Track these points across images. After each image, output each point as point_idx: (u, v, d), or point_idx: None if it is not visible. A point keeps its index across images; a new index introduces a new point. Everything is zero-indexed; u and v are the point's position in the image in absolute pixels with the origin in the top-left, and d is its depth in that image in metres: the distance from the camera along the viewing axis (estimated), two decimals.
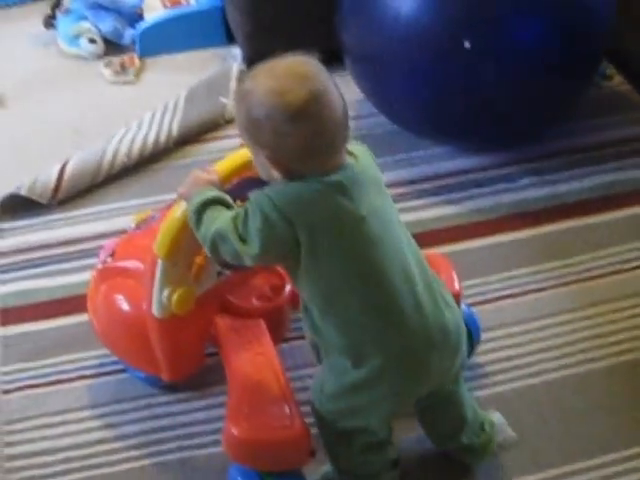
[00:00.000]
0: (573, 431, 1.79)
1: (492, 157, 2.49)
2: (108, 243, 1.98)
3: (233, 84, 2.80)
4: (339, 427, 1.60)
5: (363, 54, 2.44)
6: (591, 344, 1.95)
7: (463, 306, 1.82)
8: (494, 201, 2.36)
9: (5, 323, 2.10)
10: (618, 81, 2.75)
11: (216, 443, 1.75)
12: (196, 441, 1.81)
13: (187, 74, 2.91)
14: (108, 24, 3.07)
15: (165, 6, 3.08)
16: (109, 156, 2.52)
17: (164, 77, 2.96)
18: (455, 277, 1.82)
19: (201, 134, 2.67)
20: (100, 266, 1.91)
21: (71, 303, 2.11)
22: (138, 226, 1.94)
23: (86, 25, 3.07)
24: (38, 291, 2.18)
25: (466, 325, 1.78)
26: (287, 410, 1.60)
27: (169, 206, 1.78)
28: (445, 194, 2.40)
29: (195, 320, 1.75)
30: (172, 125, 2.64)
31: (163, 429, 1.84)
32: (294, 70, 1.45)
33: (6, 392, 1.93)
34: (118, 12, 3.09)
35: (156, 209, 2.00)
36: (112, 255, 1.90)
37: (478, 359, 1.92)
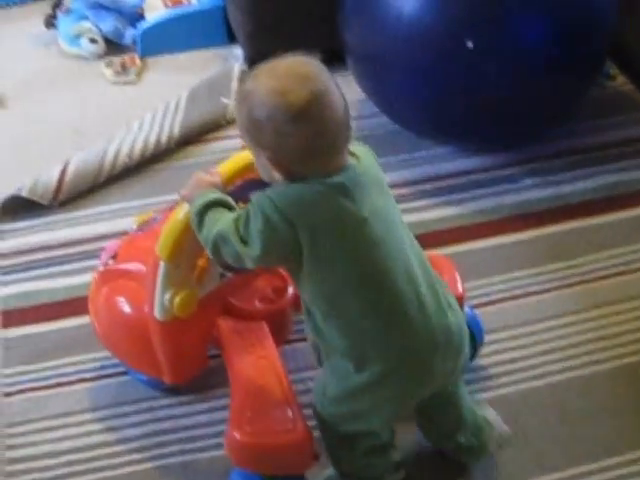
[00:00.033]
0: (577, 434, 1.78)
1: (494, 158, 2.48)
2: (110, 245, 1.97)
3: (235, 84, 2.80)
4: (341, 430, 1.59)
5: (365, 53, 2.43)
6: (595, 346, 1.94)
7: (466, 308, 1.81)
8: (496, 202, 2.35)
9: (6, 325, 2.09)
10: (621, 81, 2.74)
11: (218, 446, 1.74)
12: (198, 444, 1.81)
13: (188, 74, 2.90)
14: (109, 24, 3.06)
15: (166, 6, 3.08)
16: (110, 157, 2.51)
17: (165, 77, 2.95)
18: (458, 279, 1.82)
19: (202, 134, 2.66)
20: (102, 268, 1.90)
21: (72, 305, 2.11)
22: (140, 228, 1.93)
23: (87, 25, 3.06)
24: (39, 293, 2.17)
25: (469, 327, 1.77)
26: (290, 414, 1.60)
27: (171, 208, 1.77)
28: (447, 195, 2.39)
29: (197, 323, 1.75)
30: (173, 125, 2.63)
31: (165, 432, 1.83)
32: (295, 70, 1.44)
33: (7, 395, 1.93)
34: (119, 12, 3.08)
35: (158, 210, 1.99)
36: (114, 257, 1.89)
37: (481, 361, 1.91)
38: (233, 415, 1.63)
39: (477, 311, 1.92)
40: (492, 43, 2.20)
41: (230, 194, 1.58)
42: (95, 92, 2.89)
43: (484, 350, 1.91)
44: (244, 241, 1.47)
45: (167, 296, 1.69)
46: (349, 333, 1.50)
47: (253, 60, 2.81)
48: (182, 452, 1.80)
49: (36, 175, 2.44)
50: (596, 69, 2.44)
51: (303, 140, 1.43)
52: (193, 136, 2.64)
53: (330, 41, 2.36)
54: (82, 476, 1.77)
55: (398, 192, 2.25)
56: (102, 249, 2.01)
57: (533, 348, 1.95)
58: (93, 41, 3.04)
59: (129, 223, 2.06)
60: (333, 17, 2.45)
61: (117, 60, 2.99)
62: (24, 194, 2.39)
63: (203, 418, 1.85)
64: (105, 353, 1.93)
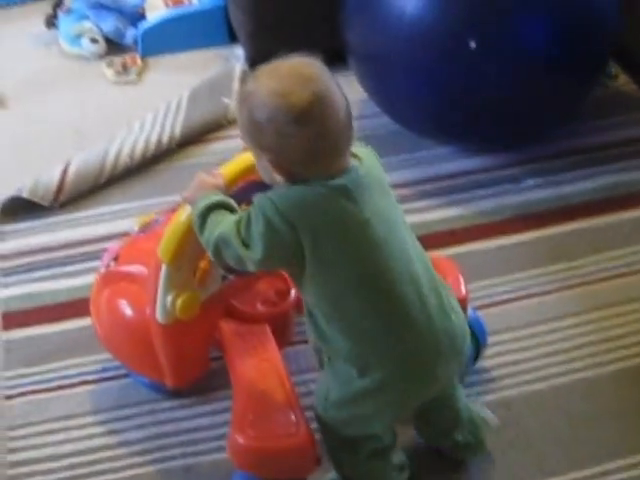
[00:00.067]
0: (580, 436, 1.78)
1: (495, 158, 2.47)
2: (112, 247, 1.96)
3: (236, 84, 2.79)
4: (343, 434, 1.59)
5: (367, 53, 2.43)
6: (598, 348, 1.94)
7: (469, 310, 1.80)
8: (497, 203, 2.35)
9: (7, 327, 2.08)
10: (623, 81, 2.73)
11: (220, 449, 1.74)
12: (200, 447, 1.80)
13: (189, 74, 2.90)
14: (110, 24, 3.06)
15: (167, 5, 3.07)
16: (111, 157, 2.51)
17: (166, 77, 2.95)
18: (462, 281, 1.81)
19: (204, 134, 2.65)
20: (103, 270, 1.90)
21: (74, 307, 2.10)
22: (142, 229, 1.93)
23: (88, 25, 3.06)
24: (40, 295, 2.16)
25: (472, 329, 1.77)
26: (293, 417, 1.59)
27: (173, 209, 1.77)
28: (448, 195, 2.38)
29: (199, 325, 1.74)
30: (174, 126, 2.63)
31: (167, 435, 1.83)
32: (297, 71, 1.43)
33: (8, 397, 1.92)
34: (120, 11, 3.08)
35: (159, 212, 1.99)
36: (116, 259, 1.88)
37: (484, 363, 1.91)
38: (235, 419, 1.62)
39: (479, 312, 1.91)
40: (494, 43, 2.19)
41: (233, 196, 1.58)
42: (96, 92, 2.89)
43: (487, 352, 1.90)
44: (245, 244, 1.46)
45: (169, 299, 1.68)
46: (352, 335, 1.49)
47: (254, 60, 2.81)
48: (184, 455, 1.79)
49: (37, 176, 2.44)
50: (599, 69, 2.43)
51: (305, 142, 1.42)
52: (194, 136, 2.64)
53: (331, 40, 2.36)
54: (84, 479, 1.77)
55: (399, 193, 2.22)
56: (104, 251, 2.00)
57: (536, 350, 1.94)
58: (94, 41, 3.04)
59: (130, 224, 2.05)
60: (334, 17, 2.45)
61: (118, 60, 2.98)
62: (25, 195, 2.38)
63: (205, 421, 1.85)
64: (107, 355, 1.92)
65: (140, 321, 1.77)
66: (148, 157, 2.55)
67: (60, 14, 3.12)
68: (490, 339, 1.89)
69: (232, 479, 1.64)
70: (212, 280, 1.74)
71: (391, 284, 1.47)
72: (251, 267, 1.49)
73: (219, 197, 1.55)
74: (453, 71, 2.23)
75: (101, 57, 3.03)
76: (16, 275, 2.22)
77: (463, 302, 1.74)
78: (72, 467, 1.78)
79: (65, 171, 2.46)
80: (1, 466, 1.79)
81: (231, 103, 2.68)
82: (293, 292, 1.81)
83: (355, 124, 1.49)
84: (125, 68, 2.95)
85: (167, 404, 1.88)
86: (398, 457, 1.67)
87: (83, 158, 2.50)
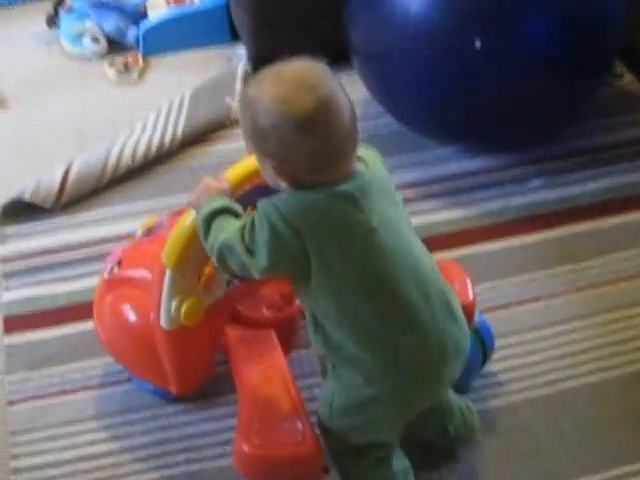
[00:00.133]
0: (587, 442, 1.76)
1: (501, 158, 2.46)
2: (115, 250, 1.94)
3: (238, 84, 2.77)
4: (348, 442, 1.58)
5: (371, 51, 2.41)
6: (606, 352, 1.92)
7: (477, 314, 1.79)
8: (503, 204, 2.33)
9: (9, 331, 2.07)
10: (628, 80, 2.71)
11: (224, 455, 1.73)
12: (204, 453, 1.78)
13: (192, 73, 2.88)
14: (111, 23, 3.04)
15: (169, 4, 3.05)
16: (113, 159, 2.49)
17: (168, 77, 2.93)
18: (469, 286, 1.79)
19: (206, 135, 2.63)
20: (107, 275, 1.88)
21: (76, 310, 2.08)
22: (145, 233, 1.91)
23: (89, 24, 3.04)
24: (42, 298, 2.14)
25: (479, 333, 1.76)
26: (299, 425, 1.58)
27: (177, 213, 1.75)
28: (453, 196, 2.37)
29: (204, 331, 1.73)
30: (177, 126, 2.61)
31: (170, 441, 1.81)
32: (300, 76, 1.41)
33: (10, 403, 1.91)
34: (121, 11, 3.06)
35: (163, 215, 1.97)
36: (119, 263, 1.86)
37: (491, 367, 1.89)
38: (241, 426, 1.61)
39: (486, 315, 1.89)
40: (500, 42, 2.18)
41: (239, 200, 1.56)
42: (97, 92, 2.87)
43: (494, 356, 1.88)
44: (250, 251, 1.45)
45: (173, 304, 1.67)
46: (360, 341, 1.47)
47: (256, 58, 2.80)
48: (187, 461, 1.77)
49: (38, 178, 2.42)
50: (605, 68, 2.42)
51: (309, 149, 1.40)
52: (197, 136, 2.62)
53: (334, 39, 2.34)
54: None
55: (403, 194, 2.22)
56: (107, 254, 1.98)
57: (543, 354, 1.92)
58: (95, 40, 3.02)
59: (133, 226, 2.04)
60: (337, 15, 2.43)
61: (120, 59, 2.97)
62: (26, 197, 2.37)
63: (209, 426, 1.83)
64: (110, 359, 1.90)
65: (144, 327, 1.75)
66: (150, 158, 2.53)
67: (61, 13, 3.11)
68: (496, 342, 1.87)
69: None
70: (217, 285, 1.73)
71: (398, 292, 1.46)
72: (256, 275, 1.47)
73: (224, 202, 1.53)
74: (458, 70, 2.22)
75: (102, 56, 3.01)
76: (17, 278, 2.20)
77: (471, 307, 1.73)
78: (75, 474, 1.77)
79: (67, 173, 2.44)
80: (4, 473, 1.78)
81: (234, 103, 2.66)
82: None
83: (359, 125, 1.47)
84: (127, 67, 2.93)
85: (171, 409, 1.86)
86: (402, 463, 1.65)
87: (85, 159, 2.48)
